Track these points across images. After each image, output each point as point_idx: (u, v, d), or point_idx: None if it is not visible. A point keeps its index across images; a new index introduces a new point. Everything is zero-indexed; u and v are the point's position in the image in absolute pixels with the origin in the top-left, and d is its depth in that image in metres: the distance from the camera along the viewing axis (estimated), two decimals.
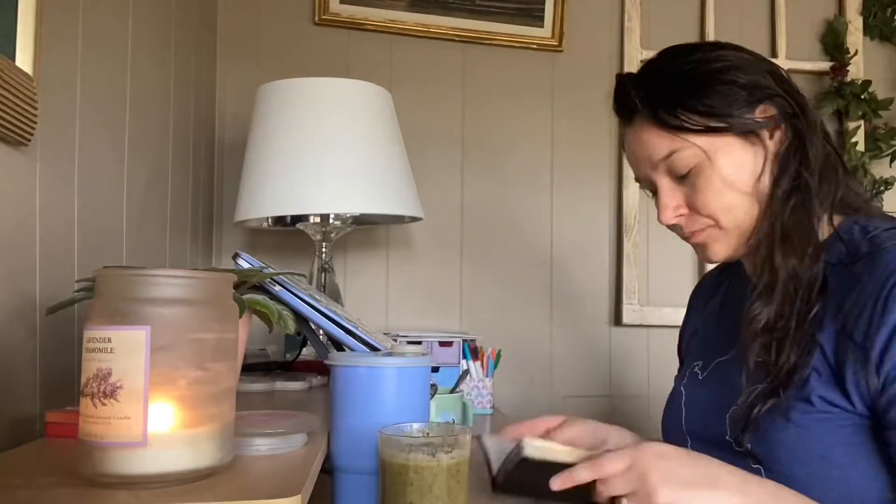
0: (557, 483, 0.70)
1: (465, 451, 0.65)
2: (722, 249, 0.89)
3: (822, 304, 0.79)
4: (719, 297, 1.04)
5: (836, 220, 0.85)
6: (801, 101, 0.86)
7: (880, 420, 0.74)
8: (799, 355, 0.78)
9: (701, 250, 0.91)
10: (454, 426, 0.70)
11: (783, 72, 0.89)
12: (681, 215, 0.89)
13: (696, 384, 0.97)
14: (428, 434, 0.68)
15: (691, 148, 0.84)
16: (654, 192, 0.91)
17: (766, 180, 0.85)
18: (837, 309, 0.78)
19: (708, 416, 0.89)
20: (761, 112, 0.85)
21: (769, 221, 0.84)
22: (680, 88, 0.85)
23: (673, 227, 0.91)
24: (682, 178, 0.87)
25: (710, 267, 1.12)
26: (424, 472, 0.62)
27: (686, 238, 0.91)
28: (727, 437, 0.84)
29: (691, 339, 1.08)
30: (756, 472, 0.78)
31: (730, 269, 1.03)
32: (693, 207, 0.87)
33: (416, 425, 0.69)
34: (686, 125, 0.84)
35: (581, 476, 0.70)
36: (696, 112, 0.84)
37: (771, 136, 0.85)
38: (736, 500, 0.69)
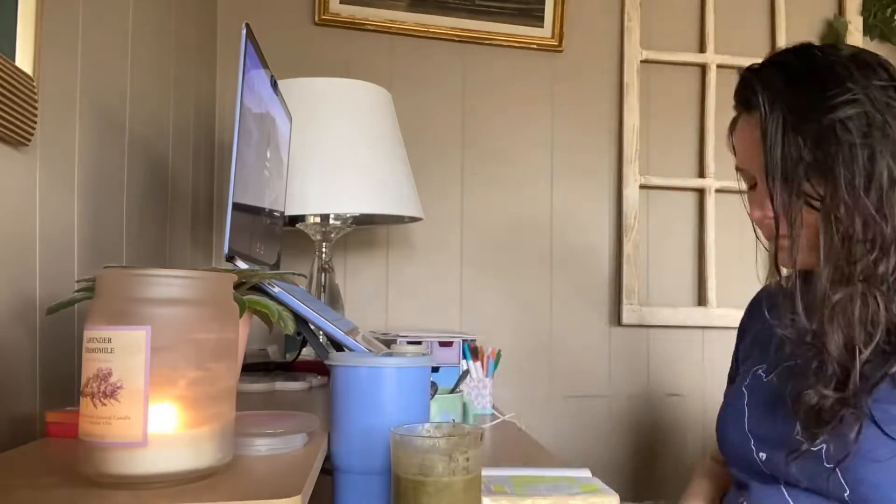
0: None
1: (479, 453, 0.65)
2: (802, 258, 0.86)
3: None
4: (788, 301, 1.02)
5: None
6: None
7: None
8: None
9: (780, 252, 0.89)
10: (466, 426, 0.70)
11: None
12: (771, 217, 0.88)
13: (760, 386, 0.96)
14: (443, 436, 0.67)
15: (768, 172, 0.84)
16: (751, 186, 0.92)
17: None
18: None
19: (776, 417, 0.89)
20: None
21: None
22: (815, 107, 0.83)
23: (761, 228, 0.92)
24: None
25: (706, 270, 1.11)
26: (439, 482, 0.61)
27: (769, 239, 0.91)
28: (796, 436, 0.83)
29: (753, 341, 1.06)
30: (829, 470, 0.79)
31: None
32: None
33: (427, 425, 0.68)
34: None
35: None
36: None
37: None
38: None
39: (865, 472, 0.79)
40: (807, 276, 0.85)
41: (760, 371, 0.98)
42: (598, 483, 0.94)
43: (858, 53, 0.88)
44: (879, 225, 0.80)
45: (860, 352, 0.80)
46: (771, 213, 0.86)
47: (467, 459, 0.62)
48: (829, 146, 0.81)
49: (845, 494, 0.80)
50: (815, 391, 0.81)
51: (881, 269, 0.80)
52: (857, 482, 0.79)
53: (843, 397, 0.79)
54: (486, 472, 0.88)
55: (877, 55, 0.88)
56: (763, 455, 0.90)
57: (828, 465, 0.80)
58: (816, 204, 0.82)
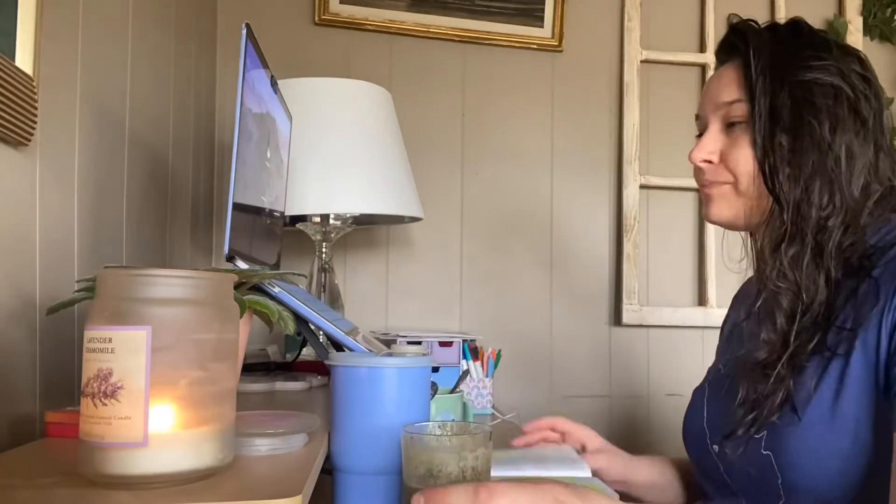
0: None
1: (488, 452, 0.65)
2: (724, 211, 0.92)
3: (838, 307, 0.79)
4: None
5: (871, 217, 0.85)
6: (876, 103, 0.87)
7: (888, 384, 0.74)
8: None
9: (706, 204, 0.94)
10: (473, 424, 0.70)
11: (867, 72, 0.89)
12: (709, 161, 0.93)
13: (718, 380, 0.97)
14: (453, 434, 0.68)
15: (755, 108, 0.87)
16: (700, 134, 0.96)
17: None
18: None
19: (728, 408, 0.89)
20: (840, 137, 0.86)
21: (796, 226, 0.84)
22: (792, 62, 0.87)
23: (696, 173, 0.95)
24: (730, 129, 0.91)
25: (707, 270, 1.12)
26: (451, 475, 0.62)
27: (701, 186, 0.95)
28: (739, 433, 0.83)
29: (727, 337, 1.09)
30: (766, 459, 0.79)
31: None
32: (724, 159, 0.91)
33: (435, 424, 0.69)
34: (773, 88, 0.86)
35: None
36: (788, 93, 0.86)
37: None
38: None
39: (793, 458, 0.78)
40: (770, 225, 0.87)
41: (720, 365, 1.00)
42: (598, 483, 0.94)
43: (841, 42, 0.93)
44: (837, 184, 0.83)
45: (802, 313, 0.81)
46: (716, 157, 0.91)
47: (476, 458, 0.63)
48: (805, 102, 0.85)
49: (778, 482, 0.79)
50: (758, 353, 0.83)
51: (830, 225, 0.82)
52: (786, 466, 0.78)
53: (778, 359, 0.80)
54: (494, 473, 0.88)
55: (858, 49, 0.92)
56: (716, 447, 0.90)
57: (764, 452, 0.80)
58: (788, 157, 0.85)
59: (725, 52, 0.96)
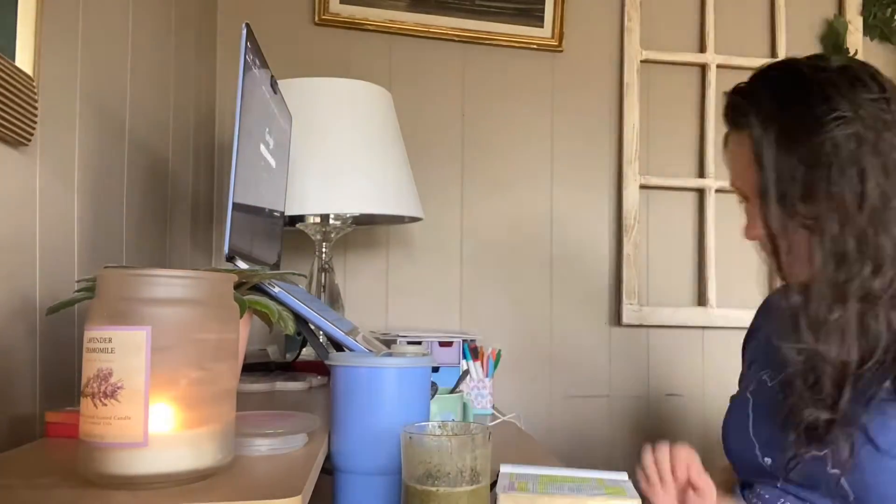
0: None
1: (487, 452, 0.65)
2: (800, 275, 0.87)
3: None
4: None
5: None
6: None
7: None
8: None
9: (778, 269, 0.89)
10: (473, 425, 0.70)
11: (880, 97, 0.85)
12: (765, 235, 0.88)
13: (765, 392, 0.96)
14: (452, 434, 0.67)
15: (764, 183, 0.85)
16: (744, 200, 0.93)
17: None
18: None
19: (779, 423, 0.89)
20: None
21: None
22: (802, 127, 0.83)
23: (753, 241, 0.93)
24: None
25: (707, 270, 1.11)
26: (451, 494, 0.62)
27: (764, 254, 0.91)
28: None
29: (761, 345, 1.06)
30: (833, 476, 0.79)
31: None
32: None
33: (435, 424, 0.69)
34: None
35: None
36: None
37: None
38: None
39: (868, 480, 0.78)
40: (807, 292, 0.84)
41: (765, 376, 0.98)
42: (628, 487, 0.92)
43: (848, 66, 0.87)
44: (873, 241, 0.80)
45: (856, 370, 0.80)
46: (764, 231, 0.86)
47: (475, 459, 0.63)
48: (820, 166, 0.81)
49: (850, 498, 0.80)
50: (808, 411, 0.81)
51: (877, 285, 0.80)
52: (861, 489, 0.79)
53: (834, 418, 0.79)
54: (516, 470, 0.87)
55: (867, 65, 0.87)
56: (768, 460, 0.90)
57: (832, 471, 0.80)
58: (810, 223, 0.82)
59: (733, 124, 0.92)
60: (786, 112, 0.85)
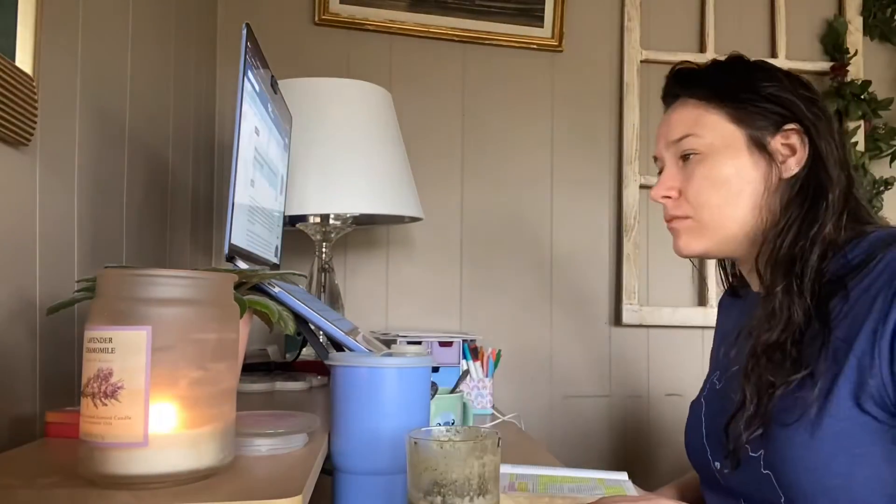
0: None
1: (497, 458, 0.62)
2: (692, 244, 0.92)
3: (826, 327, 0.78)
4: (746, 304, 1.01)
5: (846, 234, 0.84)
6: (828, 128, 0.88)
7: None
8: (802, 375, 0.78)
9: (674, 239, 0.95)
10: (483, 430, 0.67)
11: (816, 96, 0.91)
12: (670, 196, 0.94)
13: (714, 396, 0.96)
14: (461, 440, 0.63)
15: (703, 138, 0.89)
16: (661, 171, 0.96)
17: (775, 202, 0.87)
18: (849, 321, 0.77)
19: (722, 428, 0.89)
20: (784, 137, 0.87)
21: (771, 243, 0.85)
22: (731, 80, 0.91)
23: (664, 211, 0.96)
24: (685, 162, 0.92)
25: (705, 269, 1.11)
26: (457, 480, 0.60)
27: (666, 221, 0.96)
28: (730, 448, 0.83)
29: (715, 347, 1.08)
30: (766, 477, 0.78)
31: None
32: (683, 194, 0.92)
33: (442, 428, 0.66)
34: (716, 98, 0.89)
35: None
36: (732, 100, 0.89)
37: (784, 161, 0.88)
38: None
39: (794, 477, 0.77)
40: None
41: (715, 378, 0.99)
42: (628, 487, 0.92)
43: (786, 70, 0.93)
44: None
45: (792, 342, 0.81)
46: (675, 191, 0.92)
47: (483, 465, 0.60)
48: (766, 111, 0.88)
49: (780, 501, 0.79)
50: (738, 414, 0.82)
51: (812, 250, 0.83)
52: (787, 487, 0.78)
53: (754, 414, 0.80)
54: (516, 470, 0.87)
55: (802, 75, 0.94)
56: (717, 464, 0.90)
57: (764, 472, 0.80)
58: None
59: (671, 96, 0.97)
60: (727, 75, 0.92)
